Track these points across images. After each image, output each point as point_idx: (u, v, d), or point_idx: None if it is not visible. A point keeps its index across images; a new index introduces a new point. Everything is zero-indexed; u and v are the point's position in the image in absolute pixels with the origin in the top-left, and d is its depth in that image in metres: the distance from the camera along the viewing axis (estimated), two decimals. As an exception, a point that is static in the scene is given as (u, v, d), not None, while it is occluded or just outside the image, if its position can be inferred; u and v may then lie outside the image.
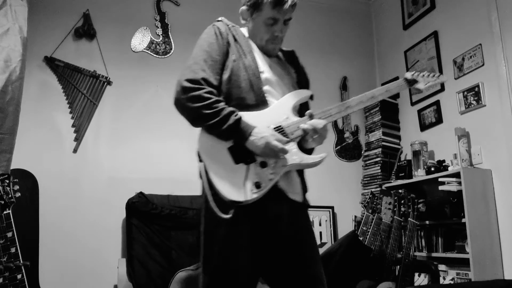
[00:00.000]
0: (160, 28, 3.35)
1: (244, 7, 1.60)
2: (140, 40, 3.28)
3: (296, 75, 1.69)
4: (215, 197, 1.37)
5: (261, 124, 1.43)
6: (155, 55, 3.30)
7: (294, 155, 1.44)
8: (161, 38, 3.34)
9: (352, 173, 3.69)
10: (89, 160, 2.98)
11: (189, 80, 1.43)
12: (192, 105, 1.41)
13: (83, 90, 3.05)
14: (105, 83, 3.13)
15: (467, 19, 3.04)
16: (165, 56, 3.33)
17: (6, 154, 2.23)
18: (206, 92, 1.42)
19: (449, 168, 2.84)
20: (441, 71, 3.23)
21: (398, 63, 3.71)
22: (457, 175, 2.72)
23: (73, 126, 2.99)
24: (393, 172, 3.39)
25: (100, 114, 3.08)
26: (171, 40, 3.36)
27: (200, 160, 1.44)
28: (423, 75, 1.71)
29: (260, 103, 1.48)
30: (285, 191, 1.46)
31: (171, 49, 3.35)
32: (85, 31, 3.10)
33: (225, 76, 1.50)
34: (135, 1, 3.33)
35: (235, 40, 1.56)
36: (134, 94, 3.19)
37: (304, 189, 1.58)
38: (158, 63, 3.29)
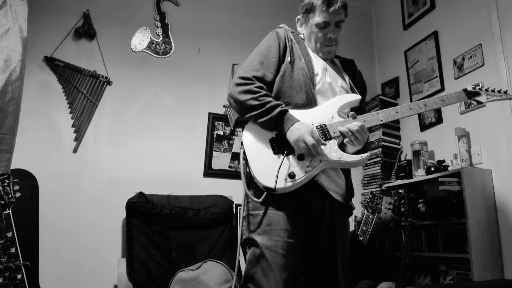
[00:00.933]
0: (160, 28, 3.35)
1: (299, 15, 1.74)
2: (140, 40, 3.28)
3: (351, 81, 1.75)
4: (252, 182, 1.48)
5: (306, 120, 1.51)
6: (155, 55, 3.30)
7: (334, 152, 1.50)
8: (161, 38, 3.34)
9: (352, 173, 3.68)
10: (89, 160, 2.98)
11: (241, 77, 1.57)
12: (242, 97, 1.53)
13: (83, 90, 3.05)
14: (105, 83, 3.13)
15: (467, 19, 3.04)
16: (165, 56, 3.33)
17: (6, 154, 2.22)
18: (256, 87, 1.54)
19: (449, 168, 2.84)
20: (441, 71, 3.23)
21: (398, 63, 3.72)
22: (457, 175, 2.72)
23: (73, 126, 2.99)
24: (393, 172, 3.39)
25: (100, 114, 3.08)
26: (171, 40, 3.36)
27: (241, 148, 1.55)
28: (487, 89, 1.75)
29: (309, 103, 1.57)
30: (326, 187, 1.54)
31: (171, 49, 3.35)
32: (85, 31, 3.10)
33: (279, 75, 1.60)
34: (135, 1, 3.33)
35: (293, 43, 1.67)
36: (134, 94, 3.19)
37: (349, 192, 1.66)
38: (158, 63, 3.29)
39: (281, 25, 1.77)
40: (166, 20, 3.38)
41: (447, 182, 2.76)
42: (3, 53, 2.25)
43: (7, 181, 2.06)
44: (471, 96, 1.72)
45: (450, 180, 2.75)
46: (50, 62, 3.00)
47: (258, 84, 1.55)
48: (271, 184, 1.44)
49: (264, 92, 1.54)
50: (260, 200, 1.45)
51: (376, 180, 3.49)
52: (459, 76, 3.05)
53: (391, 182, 3.31)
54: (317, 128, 1.52)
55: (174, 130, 3.22)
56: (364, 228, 2.90)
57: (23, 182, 2.50)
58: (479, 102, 1.70)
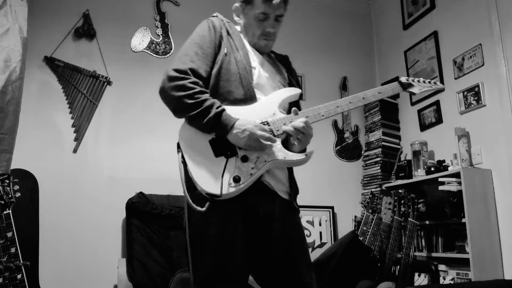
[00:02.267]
0: (160, 28, 3.35)
1: (237, 4, 1.62)
2: (140, 40, 3.28)
3: (288, 75, 1.67)
4: (194, 190, 1.35)
5: (246, 118, 1.40)
6: (155, 55, 3.30)
7: (278, 152, 1.40)
8: (161, 38, 3.34)
9: (352, 173, 3.69)
10: (89, 160, 2.98)
11: (175, 70, 1.43)
12: (175, 94, 1.41)
13: (83, 90, 3.05)
14: (105, 83, 3.13)
15: (467, 19, 3.04)
16: (165, 56, 3.33)
17: (6, 154, 2.23)
18: (190, 82, 1.40)
19: (449, 168, 2.84)
20: (441, 71, 3.23)
21: (398, 63, 3.72)
22: (457, 175, 2.72)
23: (73, 126, 2.99)
24: (393, 172, 3.39)
25: (100, 114, 3.08)
26: (171, 40, 3.36)
27: (178, 152, 1.41)
28: (419, 81, 1.67)
29: (249, 98, 1.46)
30: (273, 187, 1.44)
31: (171, 49, 3.35)
32: (85, 31, 3.10)
33: (215, 69, 1.48)
34: (135, 1, 3.33)
35: (229, 34, 1.56)
36: (134, 94, 3.18)
37: (293, 189, 1.53)
38: (158, 63, 3.29)
39: (215, 14, 1.66)
40: (166, 20, 3.38)
41: (447, 182, 2.76)
42: (3, 53, 2.25)
43: (7, 181, 2.06)
44: (405, 88, 1.65)
45: (450, 180, 2.75)
46: (50, 62, 3.00)
47: (193, 79, 1.41)
48: (215, 190, 1.30)
49: (199, 88, 1.40)
50: (204, 209, 1.29)
51: (376, 180, 3.49)
52: (459, 76, 3.05)
53: (391, 182, 3.31)
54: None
55: (174, 130, 3.19)
56: (364, 228, 2.91)
57: (23, 182, 2.50)
58: (412, 93, 1.69)
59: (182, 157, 1.38)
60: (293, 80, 1.66)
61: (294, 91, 1.55)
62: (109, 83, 3.14)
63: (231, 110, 1.40)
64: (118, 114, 3.12)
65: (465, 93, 2.97)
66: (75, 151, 2.97)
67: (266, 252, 1.43)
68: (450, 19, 3.20)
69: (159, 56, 3.31)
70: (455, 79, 3.08)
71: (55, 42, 3.03)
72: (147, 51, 3.28)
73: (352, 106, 1.54)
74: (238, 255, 1.36)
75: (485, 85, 2.84)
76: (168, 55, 3.33)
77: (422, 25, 3.48)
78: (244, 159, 1.37)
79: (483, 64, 2.86)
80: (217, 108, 1.37)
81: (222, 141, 1.38)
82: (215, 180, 1.33)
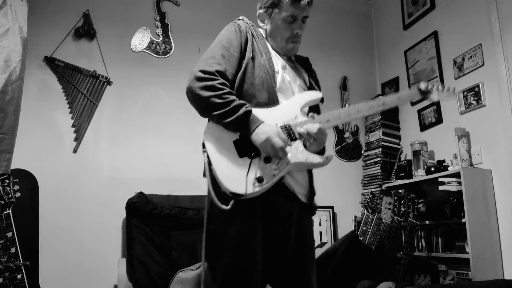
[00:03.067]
0: (160, 28, 3.35)
1: (261, 10, 1.65)
2: (140, 40, 3.28)
3: (309, 79, 1.71)
4: (217, 189, 1.39)
5: (270, 121, 1.45)
6: (155, 55, 3.30)
7: (300, 154, 1.46)
8: (161, 38, 3.34)
9: (352, 173, 3.69)
10: (89, 160, 2.98)
11: (203, 71, 1.47)
12: (204, 94, 1.44)
13: (83, 90, 3.05)
14: (105, 83, 3.13)
15: (467, 19, 3.03)
16: (165, 56, 3.33)
17: (6, 154, 2.23)
18: (219, 83, 1.44)
19: (449, 168, 2.84)
20: (441, 71, 3.23)
21: (398, 63, 3.71)
22: (457, 175, 2.72)
23: (73, 126, 2.99)
24: (393, 172, 3.39)
25: (100, 114, 3.08)
26: (171, 40, 3.36)
27: (203, 152, 1.45)
28: (438, 88, 1.69)
29: (271, 102, 1.51)
30: (293, 189, 1.49)
31: (171, 49, 3.35)
32: (85, 31, 3.10)
33: (240, 72, 1.52)
34: (135, 1, 3.33)
35: (254, 38, 1.59)
36: (134, 94, 3.19)
37: (312, 192, 1.60)
38: (158, 63, 3.29)
39: (241, 17, 1.67)
40: (166, 20, 3.38)
41: (447, 182, 2.76)
42: (3, 53, 2.25)
43: (7, 181, 2.06)
44: (424, 94, 1.67)
45: (450, 180, 2.75)
46: (50, 62, 3.00)
47: (221, 80, 1.46)
48: (239, 190, 1.35)
49: (227, 89, 1.45)
50: (229, 207, 1.33)
51: (376, 180, 3.49)
52: (459, 76, 3.05)
53: (391, 182, 3.31)
54: (281, 128, 1.46)
55: (174, 130, 3.22)
56: (364, 228, 2.90)
57: (23, 182, 2.50)
58: (430, 101, 1.72)
59: (208, 157, 1.42)
60: (313, 83, 1.70)
61: (316, 95, 1.59)
62: (109, 83, 3.14)
63: (255, 112, 1.45)
64: (118, 114, 3.12)
65: (465, 93, 2.97)
66: (75, 151, 2.97)
67: (280, 253, 1.49)
68: (450, 19, 3.20)
69: (159, 56, 3.31)
70: (455, 79, 3.08)
71: (55, 42, 3.03)
72: (147, 51, 3.28)
73: (372, 112, 1.59)
74: (257, 253, 1.41)
75: (485, 85, 2.84)
76: (168, 55, 3.33)
77: (422, 25, 3.48)
78: (267, 160, 1.42)
79: (483, 64, 2.86)
80: (246, 107, 1.43)
81: (246, 142, 1.43)
82: (240, 180, 1.38)
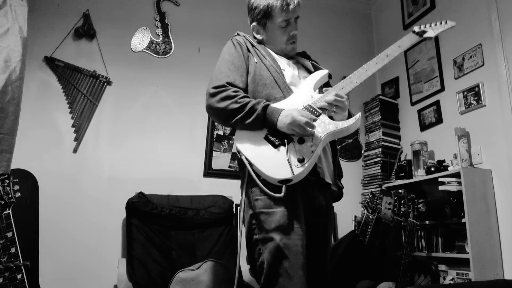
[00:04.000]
0: (160, 28, 3.35)
1: (254, 23, 1.76)
2: (140, 40, 3.28)
3: (312, 64, 1.82)
4: (264, 183, 1.45)
5: (290, 108, 1.54)
6: (155, 55, 3.30)
7: (329, 125, 1.53)
8: (161, 38, 3.34)
9: (352, 173, 3.69)
10: (89, 160, 2.98)
11: (215, 87, 1.57)
12: (221, 104, 1.53)
13: (83, 90, 3.05)
14: (105, 83, 3.13)
15: (467, 19, 3.03)
16: (165, 56, 3.33)
17: (6, 154, 2.22)
18: (233, 91, 1.55)
19: (449, 168, 2.84)
20: (441, 71, 3.23)
21: (398, 63, 3.71)
22: (457, 175, 2.72)
23: (73, 126, 2.99)
24: (393, 172, 3.39)
25: (100, 114, 3.08)
26: (171, 40, 3.36)
27: (240, 156, 1.52)
28: (430, 25, 1.84)
29: (287, 95, 1.60)
30: (324, 176, 1.58)
31: (171, 49, 3.35)
32: (85, 31, 3.10)
33: (250, 77, 1.63)
34: (135, 1, 3.33)
35: (253, 46, 1.71)
36: (134, 94, 3.19)
37: (339, 176, 1.73)
38: (158, 63, 3.29)
39: (236, 33, 1.80)
40: (166, 20, 3.38)
41: (447, 182, 2.76)
42: (3, 53, 2.25)
43: (7, 181, 2.06)
44: (421, 35, 1.86)
45: (450, 180, 2.75)
46: (50, 62, 3.00)
47: (234, 88, 1.57)
48: (287, 175, 1.43)
49: (242, 94, 1.56)
50: (282, 194, 1.41)
51: (376, 180, 3.49)
52: (459, 76, 3.05)
53: (391, 182, 3.31)
54: (304, 109, 1.56)
55: (174, 130, 3.22)
56: (364, 228, 2.90)
57: (23, 182, 2.50)
58: (429, 38, 1.90)
59: (247, 159, 1.50)
60: (318, 65, 1.81)
61: (322, 73, 1.71)
62: (109, 83, 3.14)
63: (274, 105, 1.55)
64: (118, 114, 3.12)
65: (465, 93, 2.97)
66: (75, 151, 2.97)
67: (311, 239, 1.56)
68: (450, 19, 3.18)
69: (159, 56, 3.31)
70: (455, 79, 3.08)
71: (55, 42, 3.03)
72: (147, 51, 3.28)
73: (379, 66, 1.71)
74: (301, 235, 1.48)
75: (485, 85, 2.84)
76: (168, 55, 3.33)
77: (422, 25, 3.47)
78: (301, 141, 1.49)
79: (483, 64, 2.86)
80: (264, 103, 1.52)
81: (275, 134, 1.51)
82: (282, 167, 1.45)
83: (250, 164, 1.48)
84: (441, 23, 1.81)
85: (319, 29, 3.90)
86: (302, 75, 1.75)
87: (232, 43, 1.72)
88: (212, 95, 1.56)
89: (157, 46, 3.32)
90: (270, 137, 1.51)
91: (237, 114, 1.51)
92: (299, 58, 1.85)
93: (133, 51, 3.25)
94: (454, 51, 3.12)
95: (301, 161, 1.45)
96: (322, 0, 3.97)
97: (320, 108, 1.55)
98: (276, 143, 1.49)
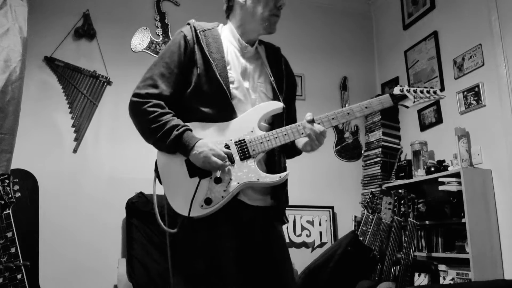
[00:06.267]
0: (160, 28, 3.35)
1: (228, 3, 1.55)
2: (140, 40, 3.28)
3: (277, 74, 1.58)
4: (168, 206, 1.38)
5: (223, 136, 1.40)
6: (155, 55, 3.30)
7: (252, 173, 1.37)
8: (161, 38, 3.34)
9: (352, 173, 3.69)
10: (89, 160, 2.98)
11: (135, 95, 1.44)
12: (138, 119, 1.43)
13: (83, 90, 3.05)
14: (105, 83, 3.13)
15: (467, 19, 3.03)
16: (165, 56, 3.32)
17: (6, 154, 2.23)
18: (150, 106, 1.39)
19: (449, 168, 2.84)
20: (441, 71, 3.23)
21: (398, 63, 3.71)
22: (457, 175, 2.72)
23: (73, 126, 2.99)
24: (393, 172, 3.39)
25: (100, 114, 3.08)
26: (171, 40, 3.36)
27: (155, 171, 1.43)
28: (415, 91, 1.53)
29: (228, 116, 1.42)
30: (251, 202, 1.42)
31: (171, 49, 3.35)
32: (85, 31, 3.10)
33: (190, 89, 1.43)
34: (135, 1, 3.33)
35: (204, 46, 1.46)
36: (134, 94, 3.18)
37: (280, 200, 1.49)
38: (158, 63, 3.29)
39: (189, 22, 1.53)
40: (166, 20, 3.38)
41: (447, 182, 2.76)
42: (3, 53, 2.25)
43: (7, 181, 2.06)
44: (398, 100, 1.52)
45: (450, 180, 2.75)
46: (50, 62, 3.00)
47: (154, 101, 1.39)
48: (184, 212, 1.34)
49: (160, 111, 1.38)
50: (175, 230, 1.36)
51: (376, 180, 3.49)
52: (459, 76, 3.05)
53: (391, 182, 3.31)
54: (235, 144, 1.39)
55: (174, 130, 3.22)
56: (364, 228, 2.91)
57: (23, 182, 2.50)
58: (405, 107, 1.56)
59: (158, 177, 1.42)
60: (281, 78, 1.57)
61: (275, 105, 1.47)
62: (109, 83, 3.14)
63: (206, 127, 1.40)
64: (118, 114, 3.12)
65: (465, 93, 2.97)
66: (75, 151, 2.97)
67: (250, 257, 1.43)
68: (450, 19, 3.20)
69: (159, 56, 3.31)
70: (455, 79, 3.08)
71: (55, 42, 3.03)
72: (147, 51, 3.28)
73: (334, 123, 1.45)
74: (229, 255, 1.36)
75: (485, 85, 2.84)
76: (168, 55, 3.33)
77: (422, 25, 3.48)
78: (217, 180, 1.36)
79: (483, 64, 2.86)
80: (178, 130, 1.36)
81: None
82: (186, 200, 1.34)
83: (161, 183, 1.41)
84: (428, 92, 1.52)
85: (319, 29, 3.90)
86: (256, 91, 1.51)
87: (178, 41, 1.47)
88: (132, 104, 1.43)
89: (157, 46, 3.32)
90: (190, 163, 1.37)
91: (152, 135, 1.39)
92: (265, 61, 1.58)
93: (133, 51, 3.25)
94: (454, 51, 3.12)
95: (208, 202, 1.33)
96: (322, 0, 3.97)
97: (254, 151, 1.38)
98: (193, 172, 1.37)
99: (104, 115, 3.09)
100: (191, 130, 1.38)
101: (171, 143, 1.36)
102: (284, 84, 1.57)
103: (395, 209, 2.77)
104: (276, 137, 1.41)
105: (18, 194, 2.09)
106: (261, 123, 1.46)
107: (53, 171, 2.86)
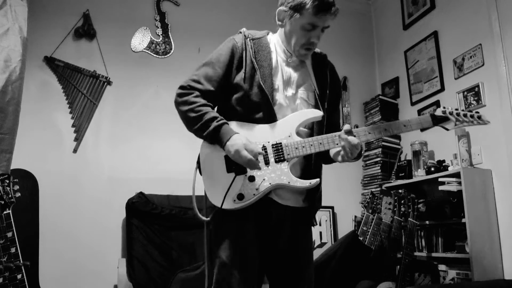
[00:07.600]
0: (160, 28, 3.35)
1: (282, 8, 1.57)
2: (140, 40, 3.28)
3: (322, 82, 1.64)
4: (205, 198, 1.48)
5: (262, 137, 1.48)
6: (155, 55, 3.30)
7: (284, 176, 1.45)
8: (161, 38, 3.34)
9: (352, 173, 3.69)
10: (89, 160, 2.98)
11: (181, 87, 1.52)
12: (181, 109, 1.49)
13: (83, 90, 3.05)
14: (105, 83, 3.13)
15: (467, 19, 3.04)
16: (165, 56, 3.33)
17: (6, 154, 2.23)
18: (194, 96, 1.48)
19: (449, 168, 2.84)
20: (441, 71, 3.23)
21: (398, 63, 3.71)
22: (457, 175, 2.72)
23: (73, 126, 2.99)
24: (393, 172, 3.39)
25: (100, 114, 3.08)
26: (171, 40, 3.36)
27: (197, 163, 1.53)
28: (458, 114, 1.55)
29: (268, 119, 1.50)
30: (280, 201, 1.49)
31: (171, 49, 3.35)
32: (85, 31, 3.10)
33: (234, 96, 1.52)
34: (135, 1, 3.33)
35: (251, 54, 1.54)
36: (134, 94, 3.18)
37: (312, 203, 1.57)
38: (158, 63, 3.29)
39: (241, 30, 1.63)
40: (166, 20, 3.38)
41: (447, 182, 2.76)
42: (3, 53, 2.25)
43: (7, 181, 2.06)
44: (438, 122, 1.56)
45: (450, 180, 2.75)
46: (50, 62, 3.00)
47: (197, 93, 1.49)
48: (217, 203, 1.45)
49: (202, 101, 1.47)
50: (208, 219, 1.48)
51: (376, 180, 3.49)
52: (459, 76, 3.05)
53: (391, 182, 3.31)
54: (272, 146, 1.46)
55: (174, 130, 3.20)
56: (364, 228, 2.90)
57: (23, 182, 2.50)
58: (445, 129, 1.58)
59: (198, 167, 1.52)
60: (325, 86, 1.62)
61: (314, 114, 1.54)
62: (109, 83, 3.14)
63: (243, 127, 1.49)
64: (118, 114, 3.12)
65: (465, 93, 2.97)
66: (75, 151, 2.97)
67: (276, 254, 1.53)
68: (450, 19, 3.20)
69: (159, 56, 3.31)
70: (455, 79, 3.08)
71: (55, 42, 3.03)
72: (147, 51, 3.28)
73: (370, 137, 1.52)
74: (250, 250, 1.46)
75: (485, 85, 2.84)
76: (168, 55, 3.33)
77: (422, 25, 3.48)
78: (251, 179, 1.45)
79: (483, 64, 2.86)
80: (217, 122, 1.44)
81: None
82: (221, 193, 1.43)
83: (201, 174, 1.51)
84: (472, 116, 1.51)
85: (319, 29, 3.90)
86: (298, 98, 1.57)
87: (230, 46, 1.56)
88: (177, 95, 1.52)
89: (157, 46, 3.32)
90: (229, 159, 1.45)
91: (193, 123, 1.47)
92: (310, 71, 1.65)
93: (133, 51, 3.25)
94: (454, 51, 3.12)
95: (240, 197, 1.43)
96: (322, 0, 3.96)
97: (289, 155, 1.45)
98: (230, 168, 1.46)
99: (104, 115, 3.09)
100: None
101: (210, 133, 1.44)
102: (328, 91, 1.63)
103: (395, 209, 2.76)
104: (311, 145, 1.48)
105: (18, 194, 2.09)
106: (300, 128, 1.53)
107: (53, 171, 2.86)
